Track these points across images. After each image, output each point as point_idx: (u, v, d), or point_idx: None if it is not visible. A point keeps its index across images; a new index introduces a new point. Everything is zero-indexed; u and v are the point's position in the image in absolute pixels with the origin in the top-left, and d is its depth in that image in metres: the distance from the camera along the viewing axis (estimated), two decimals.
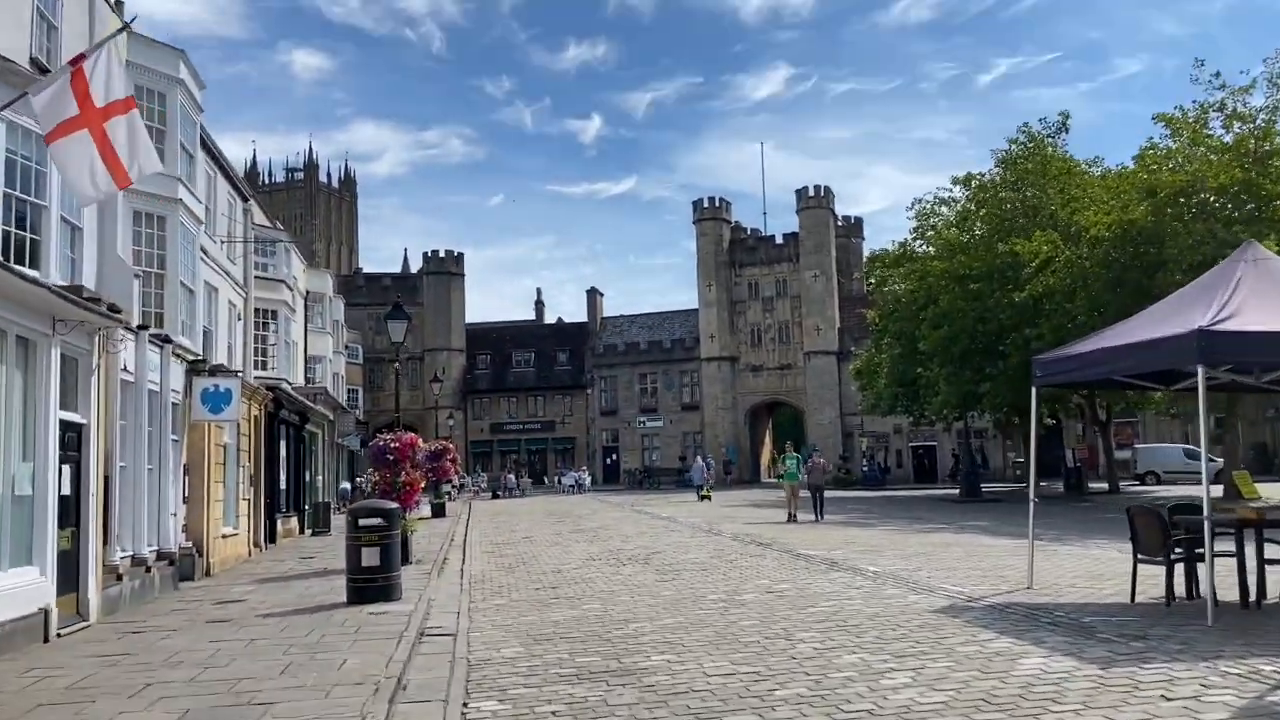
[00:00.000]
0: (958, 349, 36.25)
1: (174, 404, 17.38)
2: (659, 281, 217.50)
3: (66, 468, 11.72)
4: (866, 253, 75.45)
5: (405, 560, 17.36)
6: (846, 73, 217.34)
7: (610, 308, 78.64)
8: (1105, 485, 39.27)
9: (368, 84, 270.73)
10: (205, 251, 24.31)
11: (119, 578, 13.33)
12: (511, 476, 55.84)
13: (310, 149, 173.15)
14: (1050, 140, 36.18)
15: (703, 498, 41.78)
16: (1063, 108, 37.71)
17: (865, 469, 58.82)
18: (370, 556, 12.90)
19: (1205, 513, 8.85)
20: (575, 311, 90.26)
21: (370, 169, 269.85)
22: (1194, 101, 29.40)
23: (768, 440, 73.69)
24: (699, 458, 48.11)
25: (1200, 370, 8.78)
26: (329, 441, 42.64)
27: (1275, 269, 10.08)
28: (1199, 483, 44.57)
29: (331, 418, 42.06)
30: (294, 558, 21.73)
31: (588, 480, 58.48)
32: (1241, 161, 26.94)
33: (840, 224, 69.52)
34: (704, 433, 66.57)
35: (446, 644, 9.56)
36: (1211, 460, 47.39)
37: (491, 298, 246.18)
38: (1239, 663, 6.99)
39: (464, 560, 18.73)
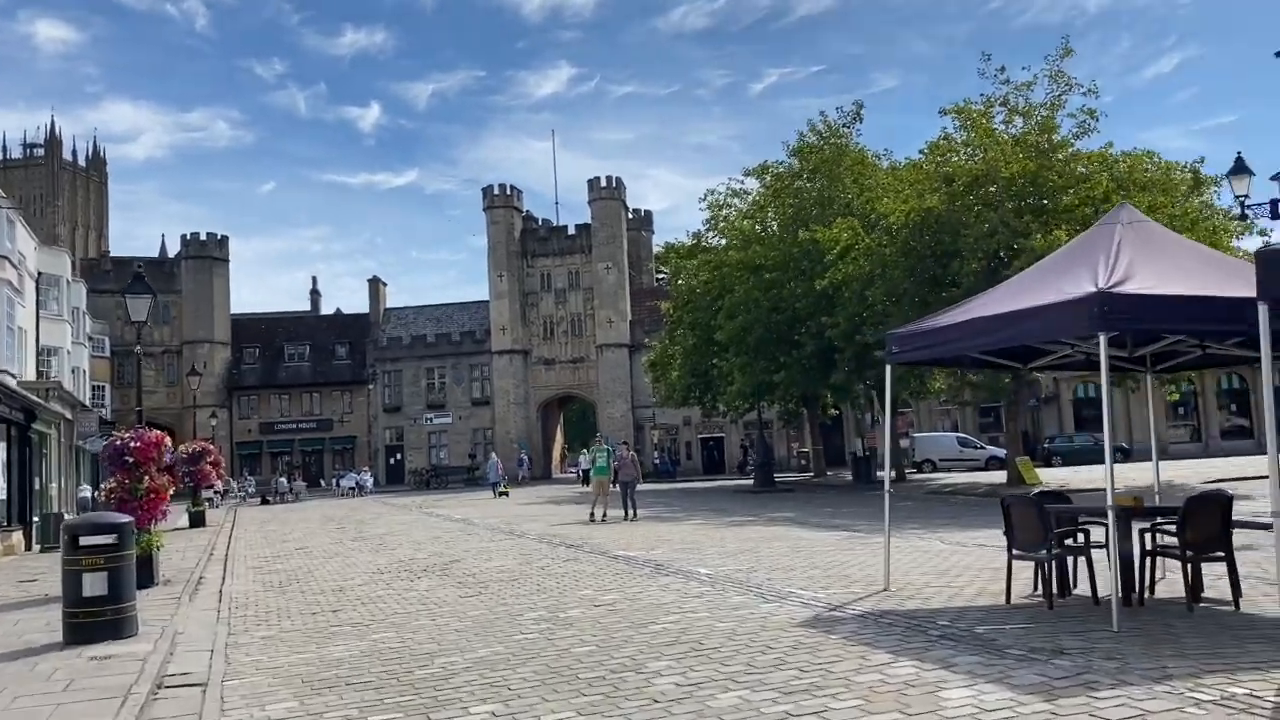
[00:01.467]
0: (753, 339, 35.93)
1: None
2: (443, 278, 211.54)
3: None
4: (656, 247, 75.47)
5: (149, 582, 14.48)
6: (627, 75, 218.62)
7: (394, 302, 74.65)
8: (892, 474, 40.06)
9: (123, 60, 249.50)
10: None
11: None
12: (284, 480, 51.37)
13: (53, 124, 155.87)
14: (845, 129, 36.42)
15: (500, 494, 40.46)
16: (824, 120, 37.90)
17: (657, 461, 58.44)
18: (94, 584, 10.17)
19: (1108, 500, 7.75)
20: (355, 306, 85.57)
21: (125, 151, 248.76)
22: (982, 95, 29.99)
23: (559, 435, 72.18)
24: (494, 454, 46.62)
25: (1102, 339, 7.70)
26: (66, 444, 37.50)
27: (1154, 231, 9.28)
28: (972, 470, 46.85)
29: (69, 416, 37.00)
30: (11, 581, 18.08)
31: (370, 482, 54.77)
32: (1029, 154, 27.57)
33: (631, 217, 68.85)
34: (495, 429, 64.16)
35: (193, 700, 7.24)
36: (982, 447, 49.94)
37: (262, 291, 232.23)
38: (1200, 685, 5.80)
39: (224, 578, 15.95)
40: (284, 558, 19.25)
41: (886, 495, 10.70)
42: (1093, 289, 7.85)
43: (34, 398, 27.46)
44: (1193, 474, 31.37)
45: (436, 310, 71.83)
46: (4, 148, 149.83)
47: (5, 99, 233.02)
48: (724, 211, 42.49)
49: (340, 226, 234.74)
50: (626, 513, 23.97)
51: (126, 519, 10.90)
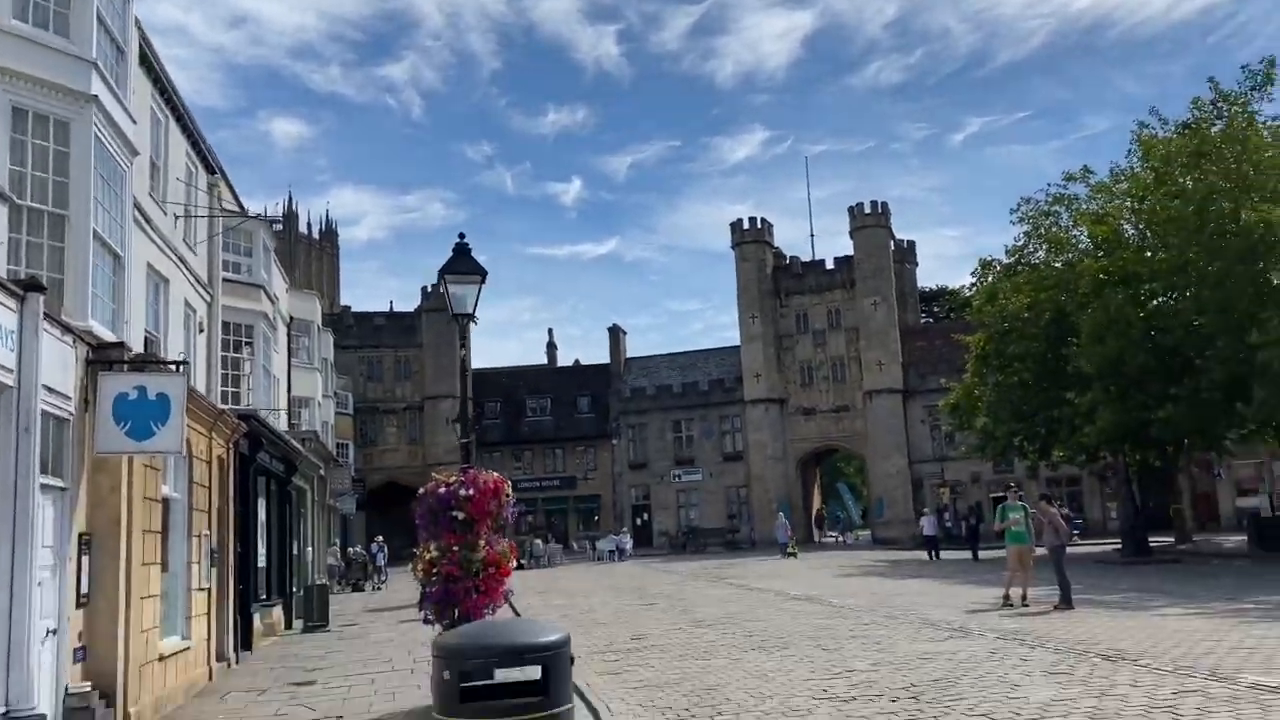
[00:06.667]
0: (1134, 367, 28.49)
1: (54, 417, 8.99)
2: (646, 341, 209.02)
3: None
4: (920, 283, 67.59)
5: None
6: (822, 134, 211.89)
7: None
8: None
9: (348, 150, 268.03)
10: (148, 220, 16.05)
11: None
12: (539, 543, 46.39)
13: (290, 199, 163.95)
14: (1246, 95, 28.53)
15: (788, 555, 38.19)
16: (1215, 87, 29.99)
17: (949, 525, 48.34)
18: None
19: None
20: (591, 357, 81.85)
21: (351, 233, 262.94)
22: None
23: (816, 494, 64.94)
24: (783, 515, 41.79)
25: None
26: (319, 502, 33.94)
27: None
28: None
29: (323, 471, 33.42)
30: (281, 683, 13.23)
31: (629, 545, 48.78)
32: None
33: (893, 248, 61.25)
34: (751, 486, 57.60)
35: None
36: None
37: (487, 356, 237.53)
38: None
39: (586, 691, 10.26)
40: (636, 653, 13.58)
41: None
42: None
43: (294, 443, 23.48)
44: None
45: (682, 358, 66.39)
46: None
47: (248, 190, 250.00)
48: (1046, 220, 35.68)
49: (547, 296, 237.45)
50: (1063, 595, 17.12)
51: (558, 635, 5.28)
